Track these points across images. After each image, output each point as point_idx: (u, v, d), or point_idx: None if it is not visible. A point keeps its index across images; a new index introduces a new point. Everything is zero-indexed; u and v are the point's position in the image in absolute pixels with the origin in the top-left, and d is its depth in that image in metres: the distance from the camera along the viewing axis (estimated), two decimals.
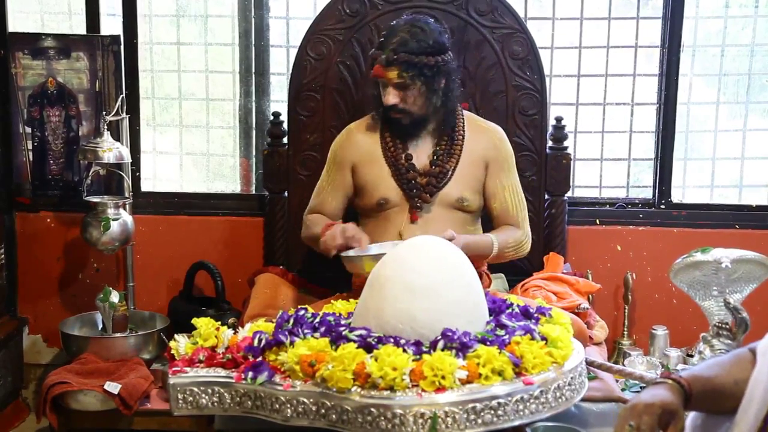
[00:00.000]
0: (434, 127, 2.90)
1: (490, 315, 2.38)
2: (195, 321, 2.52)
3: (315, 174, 3.33)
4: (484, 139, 2.95)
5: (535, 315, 2.42)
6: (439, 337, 2.15)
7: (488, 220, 3.03)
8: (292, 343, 2.23)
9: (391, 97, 2.79)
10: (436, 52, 2.78)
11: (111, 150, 3.29)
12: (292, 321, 2.36)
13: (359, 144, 2.97)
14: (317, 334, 2.27)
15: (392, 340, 2.16)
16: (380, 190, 2.91)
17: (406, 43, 2.74)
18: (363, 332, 2.20)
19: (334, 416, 2.07)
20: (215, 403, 2.24)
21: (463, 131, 2.93)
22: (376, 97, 2.90)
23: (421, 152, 2.91)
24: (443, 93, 2.84)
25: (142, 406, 2.88)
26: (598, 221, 3.59)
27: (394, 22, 2.87)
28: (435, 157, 2.89)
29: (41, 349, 3.70)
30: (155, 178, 3.77)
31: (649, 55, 3.60)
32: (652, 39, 3.57)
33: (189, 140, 3.78)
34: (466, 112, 3.00)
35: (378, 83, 2.85)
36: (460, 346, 2.13)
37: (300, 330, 2.30)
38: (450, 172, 2.89)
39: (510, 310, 2.44)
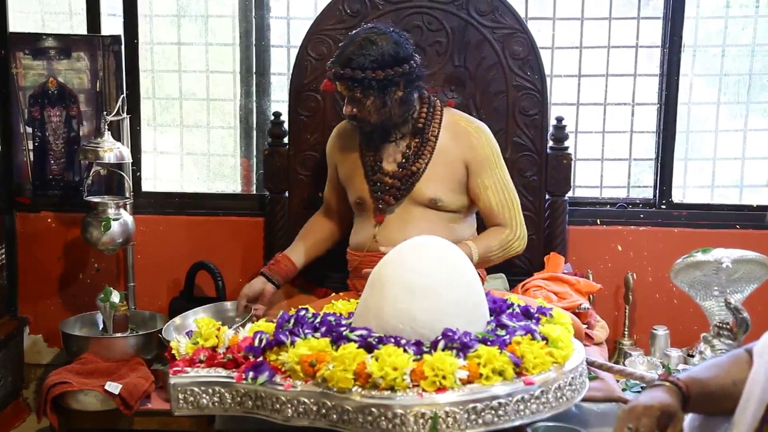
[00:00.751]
0: (404, 131, 2.92)
1: (491, 315, 2.38)
2: (196, 321, 2.53)
3: (315, 174, 3.33)
4: (461, 139, 2.93)
5: (536, 315, 2.42)
6: (440, 337, 2.15)
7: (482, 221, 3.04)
8: (292, 343, 2.23)
9: (347, 107, 2.85)
10: (387, 65, 2.77)
11: (111, 150, 3.29)
12: (292, 321, 2.36)
13: (343, 142, 3.06)
14: (318, 334, 2.27)
15: (393, 340, 2.16)
16: (355, 190, 2.99)
17: (351, 60, 2.76)
18: (363, 332, 2.20)
19: (334, 416, 2.07)
20: (216, 403, 2.24)
21: (438, 131, 2.92)
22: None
23: (393, 154, 2.94)
24: (401, 102, 2.83)
25: (143, 406, 2.88)
26: (598, 221, 3.59)
27: (353, 32, 2.88)
28: (404, 159, 2.91)
29: (42, 349, 3.70)
30: (156, 178, 3.77)
31: (649, 55, 3.60)
32: (653, 39, 3.57)
33: (189, 140, 3.78)
34: (451, 110, 2.99)
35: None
36: (461, 346, 2.13)
37: (301, 330, 2.30)
38: (420, 173, 2.90)
39: (510, 310, 2.44)
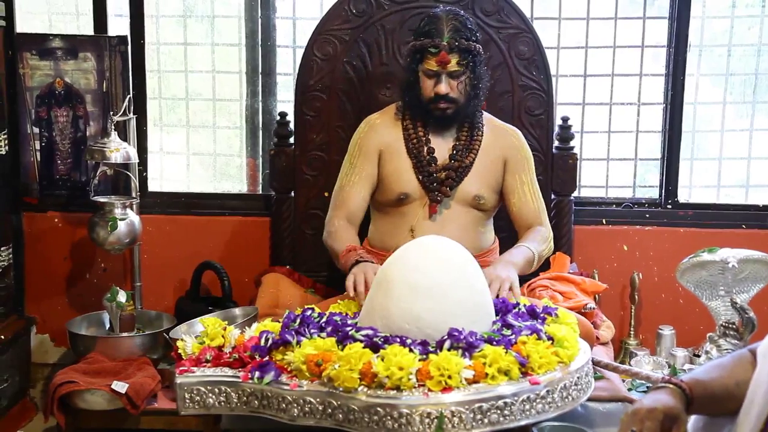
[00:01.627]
0: (458, 121, 2.92)
1: (497, 315, 2.39)
2: (202, 320, 2.53)
3: (321, 174, 3.34)
4: (502, 138, 2.97)
5: (542, 315, 2.42)
6: (446, 336, 2.15)
7: (508, 220, 3.04)
8: (298, 342, 2.23)
9: (445, 86, 2.80)
10: (478, 40, 2.85)
11: (118, 150, 3.29)
12: (298, 321, 2.37)
13: (383, 134, 2.97)
14: (324, 334, 2.28)
15: (398, 339, 2.16)
16: (400, 184, 2.92)
17: (460, 29, 2.77)
18: (369, 332, 2.21)
19: (340, 416, 2.08)
20: (222, 403, 2.25)
21: (482, 128, 2.94)
22: (408, 87, 2.90)
23: (442, 146, 2.92)
24: (483, 81, 2.88)
25: (149, 405, 2.89)
26: (604, 221, 3.58)
27: (432, 13, 2.87)
28: (455, 151, 2.91)
29: (48, 348, 3.71)
30: (162, 178, 3.78)
31: (655, 54, 3.60)
32: (659, 39, 3.57)
33: (196, 140, 3.79)
34: (485, 113, 3.02)
35: (416, 73, 2.85)
36: (467, 346, 2.13)
37: (306, 330, 2.30)
38: (469, 166, 2.91)
39: (516, 310, 2.44)
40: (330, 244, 2.90)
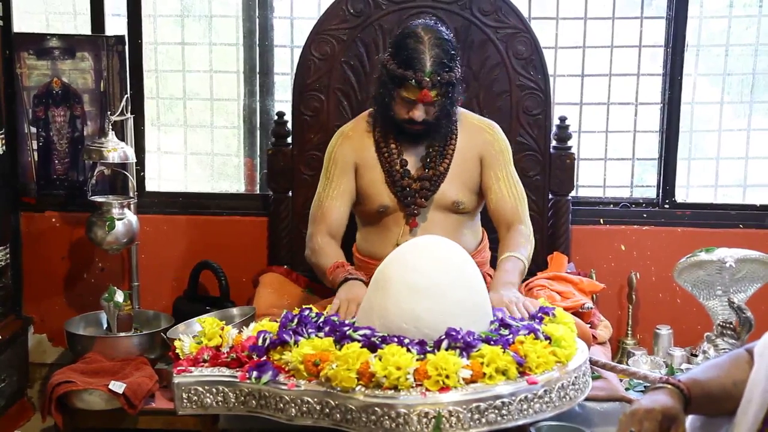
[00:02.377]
0: (431, 136, 2.86)
1: (494, 314, 2.39)
2: (199, 320, 2.53)
3: (319, 174, 3.32)
4: (476, 135, 2.92)
5: (539, 315, 2.42)
6: (443, 336, 2.16)
7: (487, 219, 3.03)
8: (296, 342, 2.23)
9: (420, 113, 2.74)
10: (457, 59, 2.77)
11: (116, 150, 3.29)
12: (296, 320, 2.37)
13: (356, 147, 2.93)
14: (321, 334, 2.28)
15: (396, 339, 2.16)
16: (378, 197, 2.90)
17: (441, 59, 2.69)
18: (367, 332, 2.21)
19: (338, 415, 2.08)
20: (220, 403, 2.25)
21: (456, 131, 2.89)
22: (380, 102, 2.83)
23: (415, 156, 2.88)
24: (456, 102, 2.83)
25: (147, 405, 2.89)
26: (602, 221, 3.59)
27: (412, 32, 2.74)
28: (428, 160, 2.87)
29: (46, 348, 3.70)
30: (160, 178, 3.78)
31: (653, 54, 3.60)
32: (656, 39, 3.57)
33: (193, 140, 3.79)
34: (460, 110, 2.95)
35: (391, 93, 2.76)
36: (464, 346, 2.13)
37: (304, 329, 2.30)
38: (444, 174, 2.87)
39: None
40: (315, 262, 2.87)
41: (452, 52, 2.74)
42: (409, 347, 2.13)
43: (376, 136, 2.91)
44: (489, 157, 2.91)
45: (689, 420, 1.78)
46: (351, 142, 2.94)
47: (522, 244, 2.81)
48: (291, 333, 2.26)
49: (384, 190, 2.88)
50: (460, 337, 2.14)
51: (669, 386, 1.69)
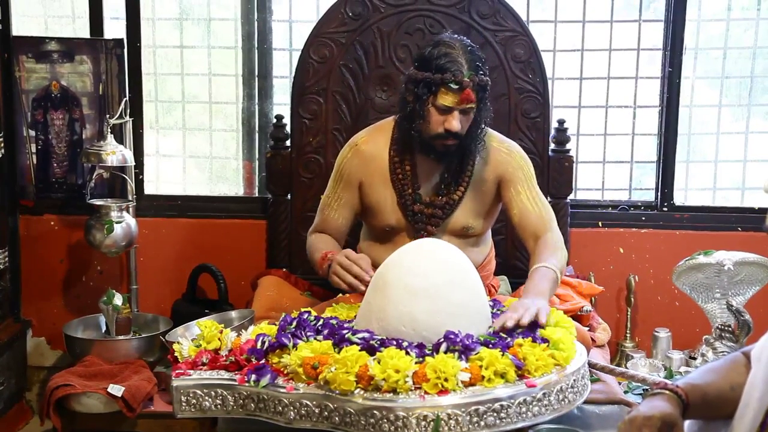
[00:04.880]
0: (457, 155, 2.73)
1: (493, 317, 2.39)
2: (198, 323, 2.53)
3: (318, 177, 3.34)
4: (493, 161, 2.78)
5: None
6: (442, 339, 2.16)
7: (506, 224, 2.99)
8: (295, 345, 2.23)
9: (457, 122, 2.60)
10: (487, 71, 2.69)
11: (114, 153, 3.29)
12: (294, 324, 2.37)
13: (367, 162, 2.80)
14: (320, 337, 2.28)
15: (395, 342, 2.17)
16: (385, 217, 2.80)
17: (477, 64, 2.60)
18: (366, 335, 2.21)
19: (337, 418, 2.08)
20: (218, 406, 2.25)
21: (476, 156, 2.75)
22: (410, 118, 2.67)
23: (429, 178, 2.77)
24: (488, 116, 2.72)
25: (146, 408, 2.88)
26: (600, 224, 3.59)
27: (441, 41, 2.64)
28: (442, 186, 2.75)
29: (45, 351, 3.70)
30: (158, 181, 3.78)
31: (651, 57, 3.61)
32: (654, 42, 3.57)
33: (192, 143, 3.79)
34: (488, 131, 2.80)
35: (425, 106, 2.62)
36: (463, 349, 2.13)
37: (303, 333, 2.30)
38: (457, 202, 2.76)
39: (497, 311, 2.45)
40: (309, 256, 2.84)
41: (483, 58, 2.68)
42: (408, 350, 2.13)
43: (392, 154, 2.78)
44: (507, 177, 2.76)
45: (687, 425, 1.77)
46: (362, 158, 2.81)
47: (551, 254, 2.62)
48: (289, 336, 2.26)
49: (393, 211, 2.78)
50: (458, 340, 2.14)
51: (667, 392, 1.69)
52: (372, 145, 2.81)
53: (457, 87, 2.56)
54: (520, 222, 2.75)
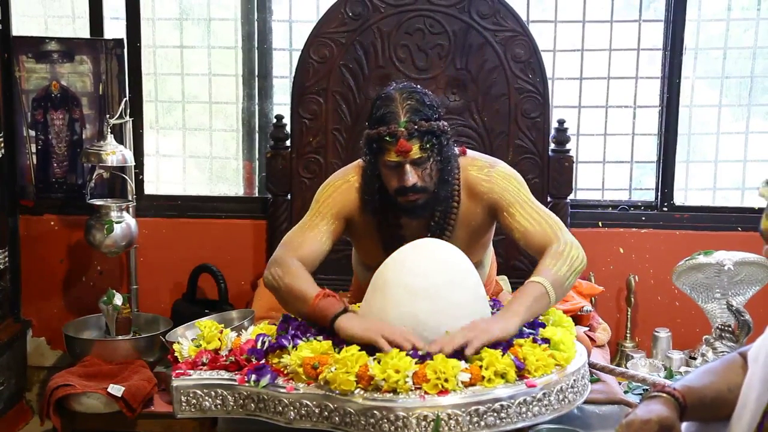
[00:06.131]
0: (433, 207, 2.56)
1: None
2: (198, 323, 2.53)
3: (318, 177, 3.34)
4: (476, 194, 2.58)
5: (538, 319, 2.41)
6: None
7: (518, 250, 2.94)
8: (294, 346, 2.23)
9: (411, 177, 2.41)
10: (441, 116, 2.48)
11: (114, 153, 3.29)
12: (293, 324, 2.36)
13: (360, 206, 2.60)
14: (320, 337, 2.28)
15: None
16: (373, 259, 2.59)
17: (418, 109, 2.40)
18: None
19: (337, 418, 2.08)
20: (218, 406, 2.25)
21: (459, 196, 2.58)
22: (370, 180, 2.53)
23: (415, 228, 2.58)
24: (450, 161, 2.50)
25: (146, 408, 2.88)
26: (600, 224, 3.59)
27: (384, 94, 2.48)
28: (429, 234, 2.54)
29: (45, 351, 3.70)
30: (158, 181, 3.78)
31: (651, 57, 3.61)
32: (655, 42, 3.57)
33: (192, 143, 3.79)
34: (463, 161, 2.61)
35: (376, 166, 2.47)
36: (463, 349, 2.13)
37: (302, 333, 2.30)
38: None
39: (497, 311, 2.44)
40: (288, 283, 2.43)
41: (430, 103, 2.44)
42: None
43: (377, 202, 2.57)
44: (495, 204, 2.57)
45: (684, 426, 1.77)
46: (354, 198, 2.61)
47: (548, 266, 2.39)
48: (289, 338, 2.26)
49: (381, 256, 2.48)
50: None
51: (664, 395, 1.68)
52: (354, 189, 2.63)
53: (392, 139, 2.39)
54: (526, 244, 2.55)
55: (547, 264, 2.39)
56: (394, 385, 2.03)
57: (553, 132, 3.38)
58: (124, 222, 3.35)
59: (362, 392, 2.06)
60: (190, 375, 2.27)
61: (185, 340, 2.42)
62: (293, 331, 2.31)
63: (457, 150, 2.59)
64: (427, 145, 2.41)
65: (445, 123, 2.48)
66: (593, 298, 3.29)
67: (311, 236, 2.57)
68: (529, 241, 2.51)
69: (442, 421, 2.01)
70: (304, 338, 2.27)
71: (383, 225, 2.60)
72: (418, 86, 2.53)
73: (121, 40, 3.55)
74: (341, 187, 2.63)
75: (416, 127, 2.38)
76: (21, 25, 3.63)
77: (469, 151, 2.67)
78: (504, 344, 2.19)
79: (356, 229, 2.65)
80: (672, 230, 3.56)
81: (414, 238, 2.46)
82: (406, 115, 2.39)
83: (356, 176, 2.62)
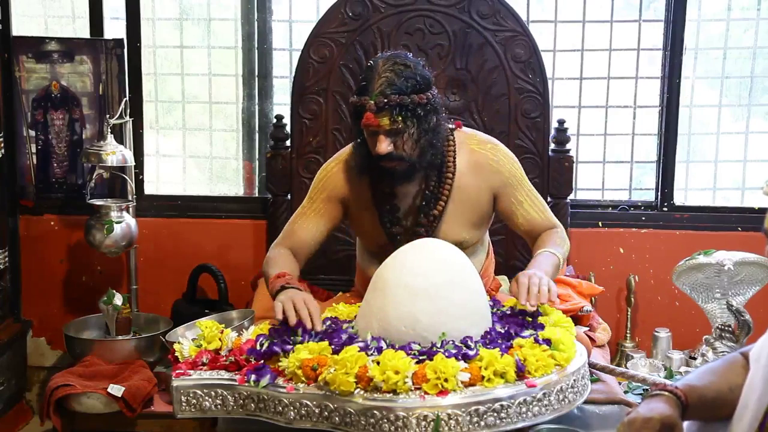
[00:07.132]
0: (419, 173, 2.60)
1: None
2: (198, 323, 2.53)
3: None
4: (481, 171, 2.65)
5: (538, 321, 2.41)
6: (440, 346, 2.16)
7: (513, 235, 2.97)
8: (285, 352, 2.23)
9: (384, 146, 2.46)
10: (425, 87, 2.49)
11: (114, 153, 3.29)
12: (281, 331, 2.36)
13: (353, 183, 2.68)
14: (316, 339, 2.28)
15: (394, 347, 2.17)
16: (374, 239, 2.70)
17: (393, 83, 2.42)
18: (361, 344, 2.20)
19: (337, 418, 2.08)
20: (218, 406, 2.25)
21: (454, 167, 2.62)
22: (361, 144, 2.59)
23: (409, 197, 2.64)
24: (434, 131, 2.52)
25: (146, 408, 2.89)
26: (600, 224, 3.59)
27: (371, 62, 2.54)
28: (423, 203, 2.62)
29: (45, 351, 3.70)
30: (158, 181, 3.78)
31: (651, 57, 3.61)
32: (655, 42, 3.57)
33: (192, 143, 3.79)
34: (460, 134, 2.67)
35: (362, 130, 2.53)
36: (463, 355, 2.13)
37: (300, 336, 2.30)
38: (441, 215, 2.63)
39: (497, 310, 2.45)
40: (265, 271, 2.60)
41: (410, 75, 2.46)
42: (407, 352, 2.14)
43: (366, 168, 2.63)
44: (503, 187, 2.65)
45: (685, 425, 1.77)
46: (348, 176, 2.69)
47: (557, 243, 2.60)
48: (279, 344, 2.25)
49: (380, 232, 2.66)
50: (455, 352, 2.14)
51: (666, 393, 1.68)
52: (351, 163, 2.70)
53: (362, 110, 2.46)
54: (528, 230, 2.68)
55: (556, 242, 2.61)
56: (394, 386, 2.03)
57: (553, 132, 3.38)
58: (124, 222, 3.35)
59: (362, 392, 2.06)
60: (190, 375, 2.27)
61: (185, 340, 2.42)
62: (283, 336, 2.29)
63: (452, 125, 2.66)
64: (398, 118, 2.44)
65: (431, 94, 2.51)
66: (593, 298, 3.28)
67: (302, 224, 2.70)
68: (533, 227, 2.68)
69: (442, 421, 2.01)
70: (291, 343, 2.26)
71: (377, 195, 2.65)
72: (409, 55, 2.58)
73: (121, 40, 3.56)
74: (332, 170, 2.72)
75: (386, 101, 2.42)
76: (21, 25, 3.63)
77: (464, 127, 2.74)
78: (504, 344, 2.19)
79: (352, 207, 2.71)
80: (672, 230, 3.56)
81: (408, 206, 2.62)
82: (379, 88, 2.43)
83: (351, 156, 2.70)
